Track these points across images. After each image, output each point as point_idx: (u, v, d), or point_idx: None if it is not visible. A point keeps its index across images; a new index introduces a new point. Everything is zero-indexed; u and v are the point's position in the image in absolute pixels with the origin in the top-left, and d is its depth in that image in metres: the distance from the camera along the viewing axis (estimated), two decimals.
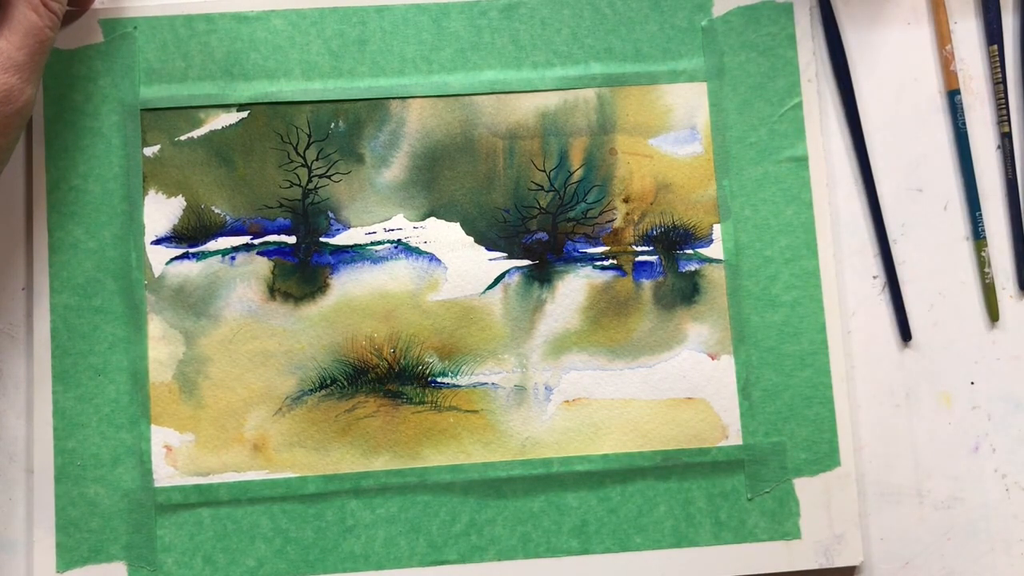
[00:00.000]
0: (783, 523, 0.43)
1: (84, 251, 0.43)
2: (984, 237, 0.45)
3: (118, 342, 0.43)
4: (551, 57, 0.45)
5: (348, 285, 0.44)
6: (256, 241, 0.44)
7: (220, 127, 0.44)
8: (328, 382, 0.44)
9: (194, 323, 0.43)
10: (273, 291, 0.44)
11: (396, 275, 0.44)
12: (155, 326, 0.43)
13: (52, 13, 0.39)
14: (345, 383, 0.44)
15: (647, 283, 0.44)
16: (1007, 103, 0.46)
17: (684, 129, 0.45)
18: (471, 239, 0.44)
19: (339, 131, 0.44)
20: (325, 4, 0.45)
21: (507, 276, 0.44)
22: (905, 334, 0.45)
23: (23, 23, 0.38)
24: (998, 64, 0.46)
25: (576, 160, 0.45)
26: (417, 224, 0.44)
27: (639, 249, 0.45)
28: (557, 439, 0.44)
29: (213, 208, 0.44)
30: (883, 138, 0.46)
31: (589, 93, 0.45)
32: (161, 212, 0.44)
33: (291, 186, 0.44)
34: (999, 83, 0.46)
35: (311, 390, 0.43)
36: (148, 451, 0.43)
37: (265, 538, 0.43)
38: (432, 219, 0.44)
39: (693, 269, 0.45)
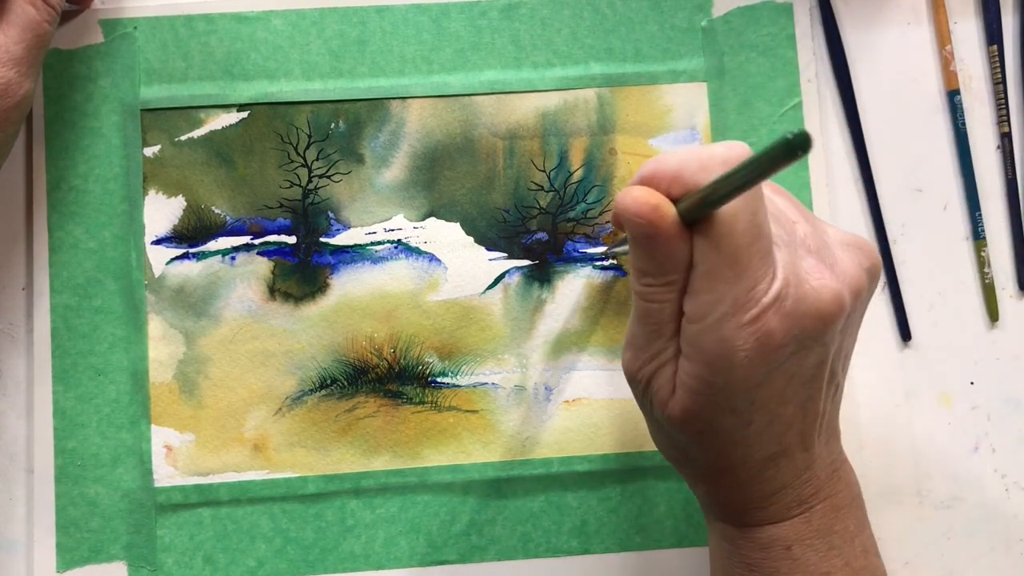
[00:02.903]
0: None
1: (84, 251, 0.43)
2: (984, 237, 0.45)
3: (118, 342, 0.43)
4: (551, 57, 0.45)
5: (348, 285, 0.44)
6: (256, 241, 0.44)
7: (220, 127, 0.44)
8: (328, 382, 0.44)
9: (194, 323, 0.43)
10: (273, 291, 0.44)
11: (396, 275, 0.44)
12: (155, 326, 0.43)
13: (50, 7, 0.39)
14: (345, 383, 0.44)
15: None
16: (1007, 103, 0.46)
17: (684, 129, 0.45)
18: (471, 239, 0.44)
19: (339, 131, 0.44)
20: (325, 4, 0.45)
21: (507, 276, 0.44)
22: (905, 334, 0.45)
23: (21, 17, 0.38)
24: (998, 64, 0.46)
25: (576, 160, 0.45)
26: (417, 224, 0.44)
27: None
28: (557, 439, 0.44)
29: (213, 208, 0.44)
30: (883, 138, 0.46)
31: (589, 93, 0.45)
32: (161, 212, 0.44)
33: (291, 186, 0.44)
34: (999, 83, 0.46)
35: (311, 390, 0.43)
36: (148, 451, 0.43)
37: (265, 538, 0.43)
38: (432, 219, 0.44)
39: None
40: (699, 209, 0.29)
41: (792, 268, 0.30)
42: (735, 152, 0.30)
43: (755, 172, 0.27)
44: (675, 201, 0.30)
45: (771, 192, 0.33)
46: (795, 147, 0.24)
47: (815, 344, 0.31)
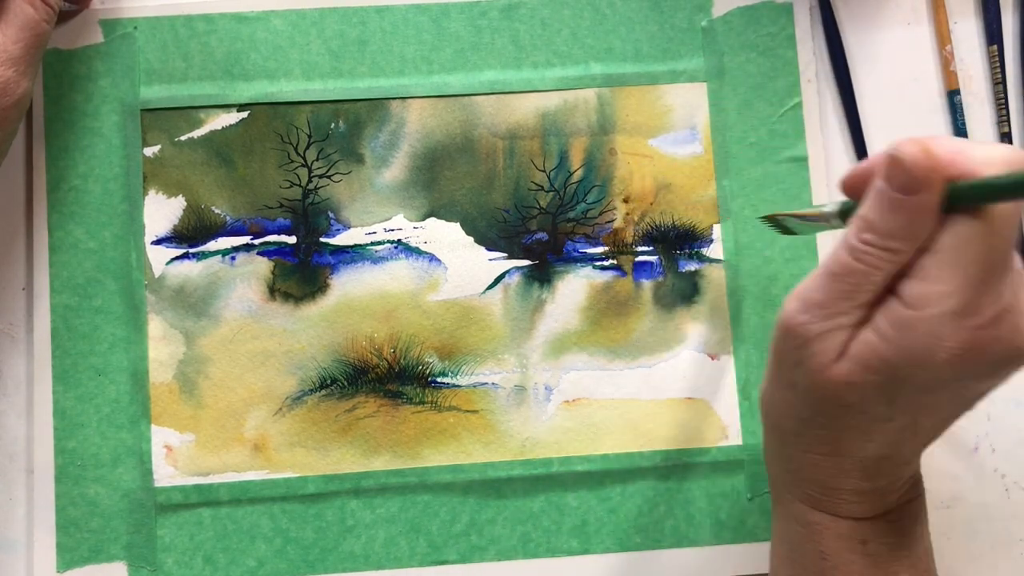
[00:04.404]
0: None
1: (84, 251, 0.43)
2: None
3: (118, 342, 0.43)
4: (551, 57, 0.45)
5: (348, 285, 0.44)
6: (256, 241, 0.44)
7: (220, 127, 0.44)
8: (328, 382, 0.44)
9: (194, 323, 0.43)
10: (273, 291, 0.44)
11: (396, 275, 0.44)
12: (155, 326, 0.43)
13: (48, 7, 0.39)
14: (345, 383, 0.44)
15: (647, 283, 0.44)
16: (1007, 103, 0.46)
17: (684, 129, 0.45)
18: (471, 239, 0.44)
19: (339, 131, 0.44)
20: (325, 4, 0.45)
21: (507, 276, 0.44)
22: None
23: (20, 16, 0.38)
24: (998, 64, 0.46)
25: (576, 160, 0.45)
26: (417, 224, 0.44)
27: (639, 249, 0.45)
28: (557, 439, 0.44)
29: (213, 208, 0.44)
30: (883, 138, 0.46)
31: (589, 93, 0.45)
32: (161, 212, 0.44)
33: (291, 186, 0.44)
34: (999, 83, 0.46)
35: (311, 390, 0.43)
36: (148, 451, 0.43)
37: (265, 538, 0.43)
38: (432, 219, 0.44)
39: (693, 269, 0.45)
40: (978, 193, 0.29)
41: (1016, 298, 0.30)
42: (1020, 156, 0.30)
43: None
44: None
45: None
46: None
47: (996, 378, 0.31)
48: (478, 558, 0.43)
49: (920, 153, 0.29)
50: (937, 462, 0.44)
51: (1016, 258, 0.31)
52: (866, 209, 0.30)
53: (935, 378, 0.30)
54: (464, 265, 0.44)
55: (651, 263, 0.45)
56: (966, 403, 0.32)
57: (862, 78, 0.46)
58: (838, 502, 0.34)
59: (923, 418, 0.32)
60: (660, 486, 0.43)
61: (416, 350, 0.44)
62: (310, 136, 0.44)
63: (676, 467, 0.44)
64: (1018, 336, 0.30)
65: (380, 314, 0.44)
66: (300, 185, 0.44)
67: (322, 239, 0.44)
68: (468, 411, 0.44)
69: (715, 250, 0.45)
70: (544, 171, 0.45)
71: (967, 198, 0.29)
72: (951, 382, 0.30)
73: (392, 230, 0.44)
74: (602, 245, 0.45)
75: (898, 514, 0.34)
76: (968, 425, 0.45)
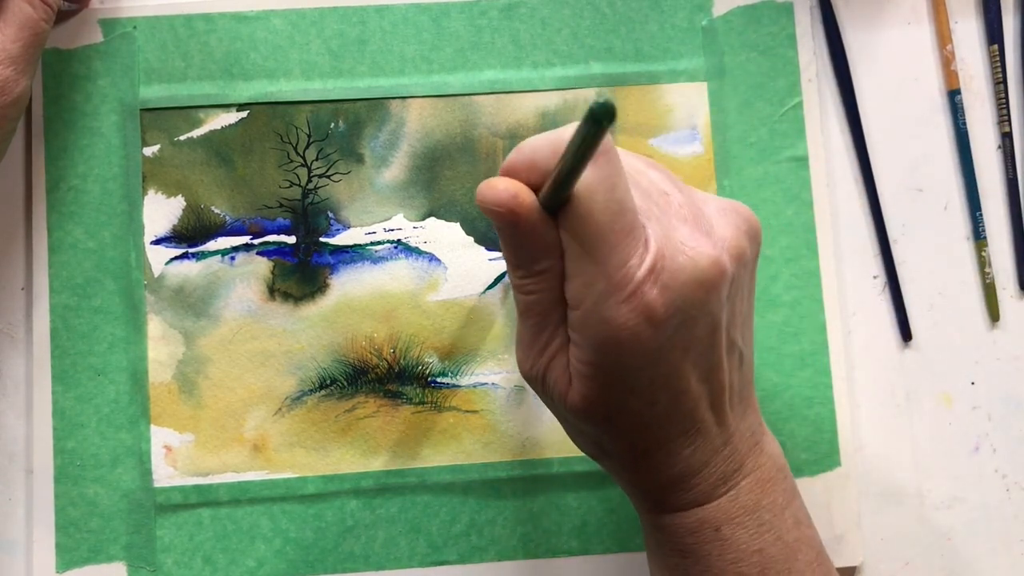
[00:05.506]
0: None
1: (84, 251, 0.43)
2: (984, 237, 0.45)
3: (118, 342, 0.43)
4: (551, 57, 0.45)
5: (348, 285, 0.44)
6: (256, 241, 0.44)
7: (220, 127, 0.44)
8: (328, 382, 0.43)
9: (194, 323, 0.43)
10: (273, 291, 0.44)
11: (396, 275, 0.44)
12: (155, 326, 0.43)
13: (47, 6, 0.39)
14: (345, 383, 0.44)
15: None
16: (1007, 103, 0.46)
17: (684, 129, 0.45)
18: (471, 239, 0.44)
19: (339, 131, 0.44)
20: (325, 4, 0.45)
21: (507, 276, 0.44)
22: (905, 334, 0.45)
23: (18, 15, 0.38)
24: (998, 64, 0.46)
25: None
26: (417, 224, 0.44)
27: None
28: (557, 439, 0.44)
29: (213, 208, 0.44)
30: (883, 138, 0.46)
31: (589, 93, 0.45)
32: (161, 212, 0.44)
33: (291, 186, 0.44)
34: (999, 83, 0.46)
35: (311, 390, 0.43)
36: (148, 451, 0.43)
37: (265, 538, 0.43)
38: (432, 219, 0.44)
39: None
40: (554, 194, 0.29)
41: (666, 240, 0.30)
42: (558, 136, 0.30)
43: (574, 149, 0.26)
44: (537, 189, 0.30)
45: (644, 166, 0.33)
46: (599, 117, 0.24)
47: (700, 313, 0.30)
48: (478, 558, 0.43)
49: (494, 193, 0.30)
50: (937, 462, 0.44)
51: (661, 201, 0.31)
52: (503, 250, 0.32)
53: (642, 353, 0.30)
54: (464, 265, 0.44)
55: None
56: (707, 349, 0.31)
57: (862, 78, 0.46)
58: (677, 495, 0.33)
59: (681, 384, 0.31)
60: None
61: (416, 350, 0.44)
62: (310, 136, 0.44)
63: None
64: (681, 275, 0.29)
65: (380, 314, 0.44)
66: (300, 185, 0.44)
67: (322, 239, 0.44)
68: (468, 411, 0.44)
69: None
70: None
71: (555, 199, 0.30)
72: (662, 347, 0.30)
73: (392, 230, 0.44)
74: None
75: (748, 487, 0.33)
76: (968, 425, 0.45)
